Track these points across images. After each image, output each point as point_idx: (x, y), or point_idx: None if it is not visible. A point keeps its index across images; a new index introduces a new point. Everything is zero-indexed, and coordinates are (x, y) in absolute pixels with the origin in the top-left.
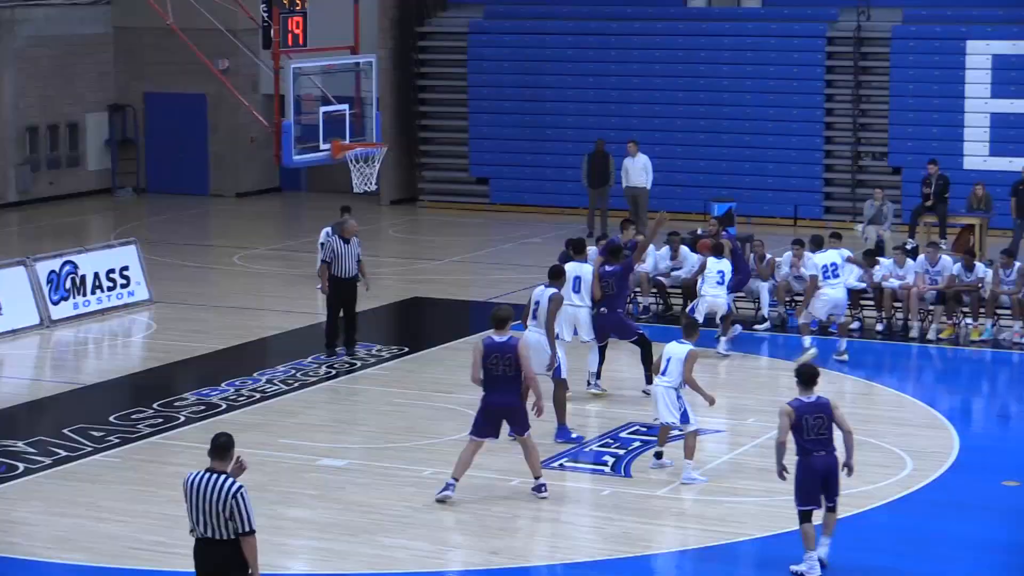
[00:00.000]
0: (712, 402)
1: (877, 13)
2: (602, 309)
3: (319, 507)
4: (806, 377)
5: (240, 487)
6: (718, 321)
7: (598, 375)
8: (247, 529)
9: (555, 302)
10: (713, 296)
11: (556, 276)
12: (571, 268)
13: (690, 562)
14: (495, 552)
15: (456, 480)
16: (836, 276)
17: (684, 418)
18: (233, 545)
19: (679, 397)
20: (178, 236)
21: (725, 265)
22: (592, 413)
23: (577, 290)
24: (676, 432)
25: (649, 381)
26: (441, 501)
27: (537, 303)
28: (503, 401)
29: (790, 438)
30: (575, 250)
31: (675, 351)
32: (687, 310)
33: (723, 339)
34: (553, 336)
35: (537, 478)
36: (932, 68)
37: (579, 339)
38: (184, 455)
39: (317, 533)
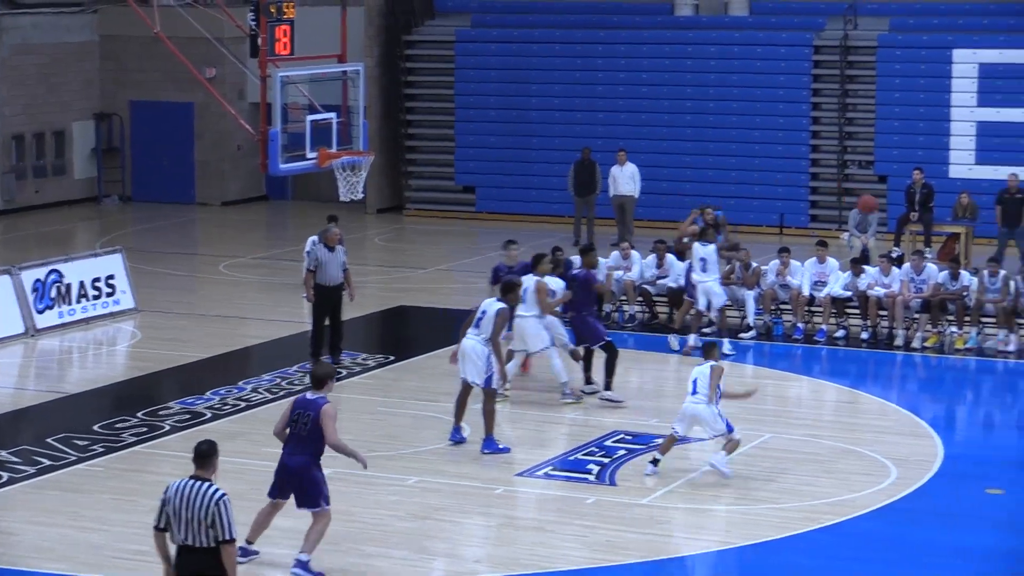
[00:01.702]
0: (750, 395)
1: (864, 22)
2: (568, 314)
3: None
4: None
5: (223, 495)
6: (715, 316)
7: (607, 386)
8: (228, 537)
9: (501, 316)
10: (701, 282)
11: (508, 291)
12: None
13: (673, 571)
14: (478, 560)
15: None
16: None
17: (729, 428)
18: (213, 553)
19: (719, 412)
20: (164, 245)
21: (709, 251)
22: (579, 421)
23: (523, 300)
24: (720, 439)
25: (608, 387)
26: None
27: (483, 313)
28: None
29: None
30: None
31: (700, 370)
32: (698, 307)
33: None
34: (499, 350)
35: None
36: (918, 77)
37: (524, 349)
38: (168, 464)
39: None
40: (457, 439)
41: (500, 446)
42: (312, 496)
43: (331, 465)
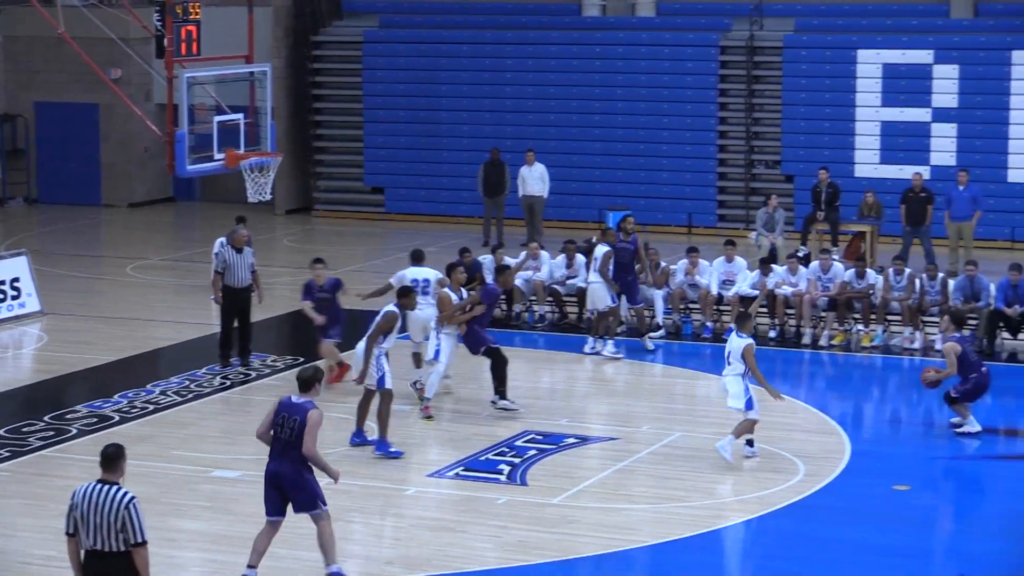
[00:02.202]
0: (777, 396)
1: (769, 22)
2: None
3: (212, 519)
4: None
5: (133, 498)
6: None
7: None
8: (139, 540)
9: (385, 318)
10: (592, 283)
11: (403, 296)
12: (413, 273)
13: (585, 570)
14: (390, 562)
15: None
16: (426, 293)
17: (749, 405)
18: (124, 557)
19: (747, 387)
20: (70, 247)
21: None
22: (490, 421)
23: (426, 292)
24: (737, 414)
25: (502, 396)
26: None
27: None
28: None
29: None
30: (414, 259)
31: (734, 344)
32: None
33: (607, 340)
34: (372, 350)
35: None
36: (823, 77)
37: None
38: (75, 468)
39: (209, 545)
40: (356, 442)
41: (392, 450)
42: (309, 499)
43: (240, 468)
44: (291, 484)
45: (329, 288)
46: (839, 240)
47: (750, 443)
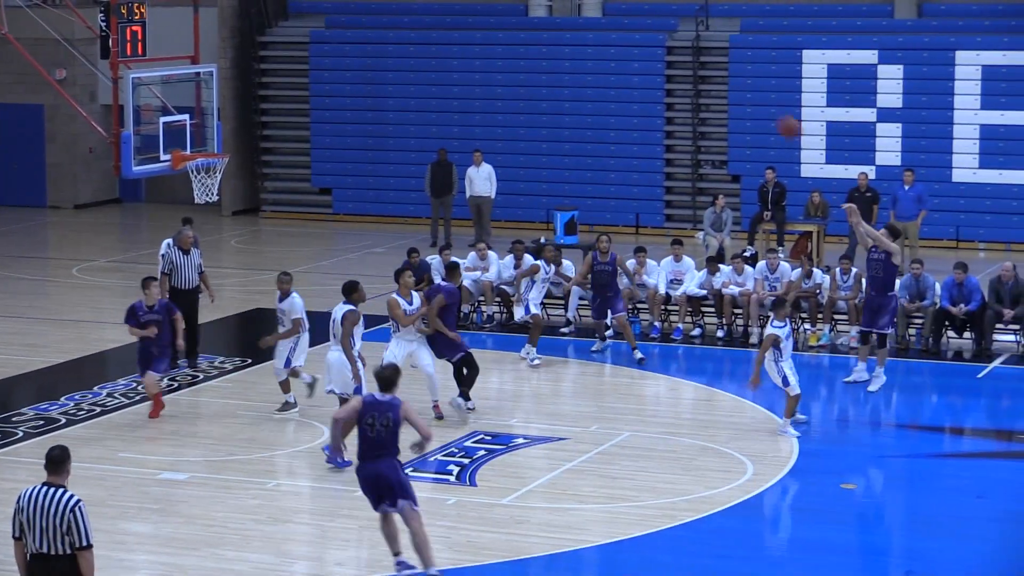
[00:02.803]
0: (752, 383)
1: (715, 23)
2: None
3: (159, 521)
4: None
5: (79, 501)
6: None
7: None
8: (85, 543)
9: (348, 320)
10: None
11: (351, 292)
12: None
13: (535, 570)
14: (340, 563)
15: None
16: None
17: (785, 382)
18: (69, 561)
19: (779, 368)
20: (14, 249)
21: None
22: (438, 423)
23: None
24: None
25: (464, 396)
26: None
27: (333, 321)
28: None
29: None
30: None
31: (767, 331)
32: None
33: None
34: (351, 353)
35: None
36: (769, 77)
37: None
38: (22, 471)
39: (158, 547)
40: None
41: (340, 460)
42: (408, 491)
43: (188, 469)
44: (397, 478)
45: (160, 310)
46: (785, 240)
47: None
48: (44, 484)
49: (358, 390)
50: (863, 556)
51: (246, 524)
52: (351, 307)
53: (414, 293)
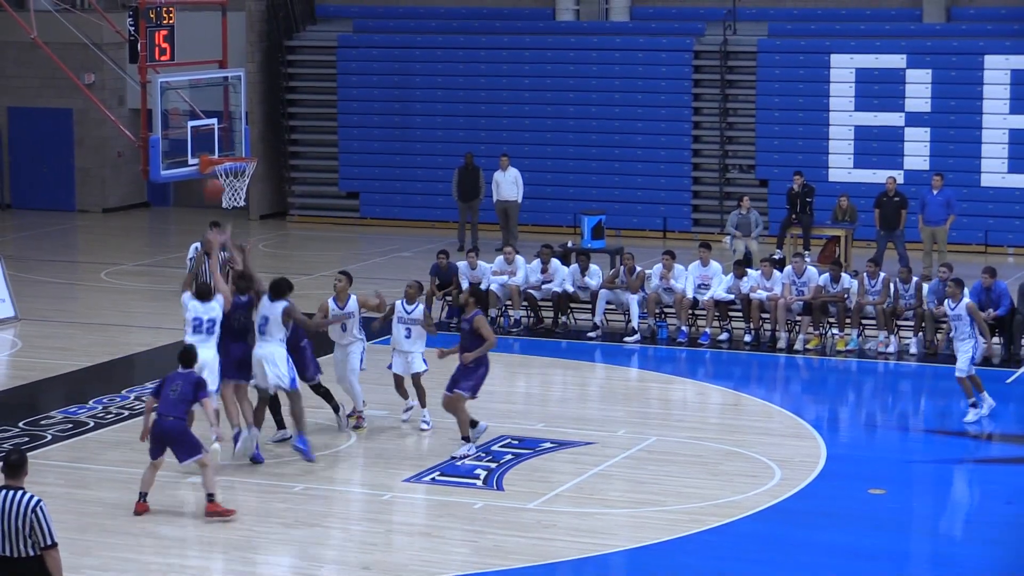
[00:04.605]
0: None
1: (743, 27)
2: (302, 343)
3: (190, 526)
4: None
5: (39, 501)
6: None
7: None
8: (50, 542)
9: (287, 313)
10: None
11: (277, 290)
12: (195, 308)
13: (563, 575)
14: (367, 567)
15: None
16: (211, 332)
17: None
18: (35, 562)
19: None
20: (44, 252)
21: None
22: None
23: (211, 332)
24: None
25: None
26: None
27: (265, 319)
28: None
29: None
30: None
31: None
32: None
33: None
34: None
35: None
36: (797, 82)
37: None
38: (51, 474)
39: (186, 550)
40: (303, 447)
41: (310, 454)
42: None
43: (219, 473)
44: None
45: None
46: (811, 244)
47: (973, 404)
48: (2, 488)
49: (293, 383)
50: (891, 561)
51: (274, 528)
52: (286, 303)
53: (352, 297)
